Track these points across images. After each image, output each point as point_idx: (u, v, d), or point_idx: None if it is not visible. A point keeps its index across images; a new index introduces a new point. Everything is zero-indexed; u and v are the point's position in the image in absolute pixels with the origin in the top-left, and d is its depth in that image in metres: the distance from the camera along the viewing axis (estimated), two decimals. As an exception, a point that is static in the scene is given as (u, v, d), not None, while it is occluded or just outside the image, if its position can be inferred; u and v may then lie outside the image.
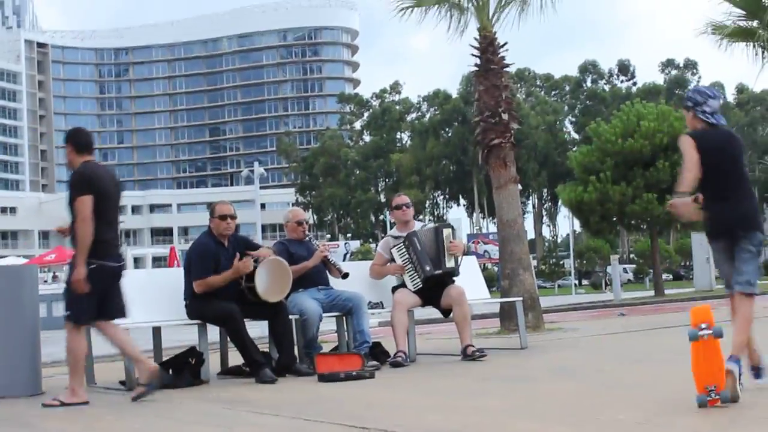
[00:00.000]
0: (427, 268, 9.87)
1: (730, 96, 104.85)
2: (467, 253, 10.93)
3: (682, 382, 6.37)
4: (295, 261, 9.51)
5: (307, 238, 9.99)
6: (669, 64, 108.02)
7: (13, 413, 7.32)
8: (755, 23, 20.21)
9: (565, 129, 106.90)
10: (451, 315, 9.97)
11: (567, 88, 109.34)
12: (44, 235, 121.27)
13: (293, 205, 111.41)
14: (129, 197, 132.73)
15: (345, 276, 9.86)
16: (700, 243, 40.21)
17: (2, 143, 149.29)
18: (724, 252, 6.46)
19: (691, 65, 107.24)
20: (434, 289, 9.96)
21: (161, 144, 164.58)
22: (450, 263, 10.02)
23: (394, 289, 10.11)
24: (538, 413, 5.81)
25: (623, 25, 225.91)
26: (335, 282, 9.92)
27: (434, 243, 10.00)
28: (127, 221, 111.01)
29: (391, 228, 10.82)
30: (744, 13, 20.37)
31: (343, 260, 49.50)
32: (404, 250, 10.00)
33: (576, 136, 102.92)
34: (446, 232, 10.13)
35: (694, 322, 5.51)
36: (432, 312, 10.48)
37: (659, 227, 38.08)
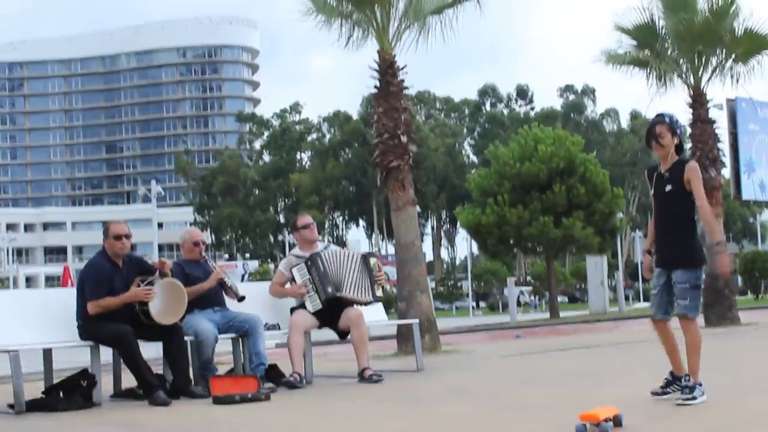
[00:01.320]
0: (329, 290, 9.85)
1: (624, 122, 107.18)
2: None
3: (575, 404, 6.47)
4: (191, 282, 9.40)
5: (204, 260, 9.91)
6: (567, 89, 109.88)
7: None
8: (647, 53, 20.69)
9: (464, 152, 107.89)
10: (349, 337, 9.96)
11: (466, 111, 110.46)
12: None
13: (191, 224, 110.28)
14: (22, 215, 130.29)
15: (241, 299, 9.79)
16: (594, 266, 40.97)
17: None
18: None
19: (589, 91, 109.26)
20: (333, 310, 9.94)
21: (56, 161, 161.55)
22: (379, 292, 10.10)
23: (293, 310, 10.06)
24: (433, 436, 5.83)
25: (521, 49, 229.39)
26: (232, 303, 9.84)
27: (363, 270, 9.99)
28: (19, 239, 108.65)
29: (290, 249, 10.78)
30: (636, 43, 20.85)
31: (242, 281, 49.12)
32: (305, 270, 9.96)
33: (475, 159, 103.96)
34: (373, 261, 10.17)
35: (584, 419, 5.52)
36: (330, 333, 10.46)
37: (555, 250, 38.64)
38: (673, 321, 7.11)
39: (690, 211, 6.96)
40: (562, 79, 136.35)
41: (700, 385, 6.77)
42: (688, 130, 20.06)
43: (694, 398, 6.65)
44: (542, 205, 36.52)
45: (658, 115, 7.09)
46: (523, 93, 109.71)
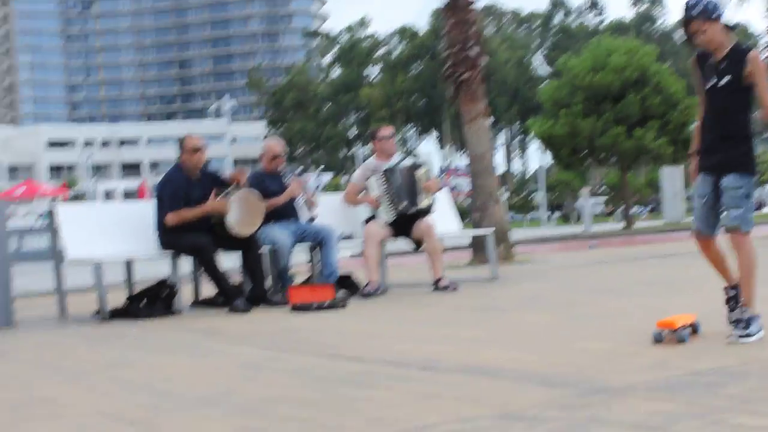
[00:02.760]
0: (404, 203, 9.91)
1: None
2: (442, 187, 10.97)
3: (651, 312, 6.47)
4: (268, 195, 9.51)
5: (282, 173, 9.97)
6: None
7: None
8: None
9: (534, 64, 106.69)
10: (423, 247, 10.04)
11: (536, 24, 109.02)
12: (12, 169, 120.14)
13: (269, 137, 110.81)
14: (98, 131, 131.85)
15: (311, 221, 9.89)
16: (669, 176, 40.51)
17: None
18: None
19: (659, 1, 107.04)
20: (406, 222, 10.00)
21: (129, 78, 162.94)
22: (425, 202, 10.08)
23: (367, 221, 10.14)
24: (508, 343, 5.89)
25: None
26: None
27: (409, 181, 10.03)
28: (96, 155, 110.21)
29: (363, 161, 10.82)
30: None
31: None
32: (382, 181, 10.01)
33: (545, 71, 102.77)
34: (420, 171, 10.18)
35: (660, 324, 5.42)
36: (405, 244, 10.53)
37: (628, 161, 38.23)
38: None
39: (747, 109, 5.76)
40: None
41: (758, 317, 5.56)
42: None
43: (750, 335, 5.42)
44: (615, 116, 36.07)
45: (685, 10, 5.72)
46: (594, 4, 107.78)
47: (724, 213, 5.69)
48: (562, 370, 4.65)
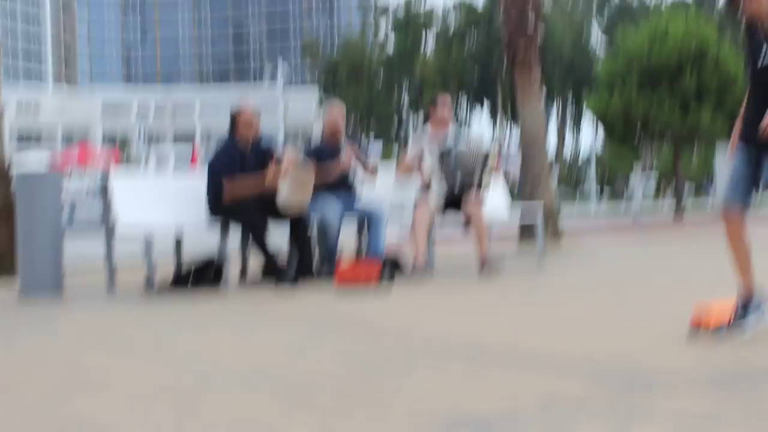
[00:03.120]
0: (457, 183, 9.86)
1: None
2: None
3: (702, 298, 6.40)
4: (324, 163, 9.57)
5: (341, 146, 9.92)
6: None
7: (35, 317, 7.45)
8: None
9: (591, 37, 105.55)
10: (470, 227, 10.00)
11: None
12: (68, 133, 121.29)
13: (319, 104, 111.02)
14: (152, 96, 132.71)
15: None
16: (725, 155, 40.10)
17: (24, 32, 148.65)
18: None
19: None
20: (456, 199, 9.97)
21: (184, 37, 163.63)
22: (485, 179, 10.05)
23: (418, 196, 10.09)
24: (554, 329, 5.86)
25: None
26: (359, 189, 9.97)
27: (473, 166, 9.93)
28: (150, 119, 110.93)
29: (414, 131, 10.79)
30: None
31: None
32: (437, 155, 9.95)
33: (602, 45, 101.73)
34: (491, 163, 10.09)
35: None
36: (452, 222, 10.51)
37: (682, 138, 37.81)
38: None
39: None
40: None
41: None
42: None
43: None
44: (671, 92, 35.67)
45: None
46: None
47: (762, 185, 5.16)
48: (607, 359, 4.62)
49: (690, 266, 10.31)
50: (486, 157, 10.01)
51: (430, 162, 9.98)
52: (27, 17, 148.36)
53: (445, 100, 10.43)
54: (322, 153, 9.81)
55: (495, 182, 10.44)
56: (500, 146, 12.66)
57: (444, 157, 9.92)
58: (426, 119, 10.61)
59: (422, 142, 10.18)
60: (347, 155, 9.81)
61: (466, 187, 9.89)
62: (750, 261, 5.27)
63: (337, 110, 10.35)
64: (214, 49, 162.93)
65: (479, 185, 10.01)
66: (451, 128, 10.39)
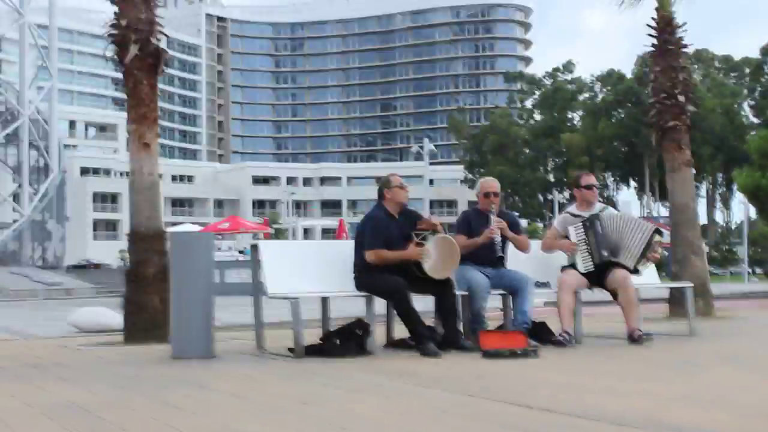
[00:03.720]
0: (605, 254, 9.77)
1: None
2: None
3: None
4: (473, 233, 9.58)
5: (492, 213, 9.89)
6: None
7: (188, 374, 7.61)
8: None
9: (743, 112, 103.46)
10: (618, 298, 9.86)
11: (747, 70, 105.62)
12: (219, 203, 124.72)
13: (462, 182, 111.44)
14: (301, 169, 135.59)
15: (500, 259, 9.80)
16: None
17: (181, 114, 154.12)
18: None
19: None
20: (602, 271, 9.86)
21: (333, 118, 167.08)
22: (642, 267, 9.93)
23: (563, 269, 10.03)
24: (705, 401, 5.71)
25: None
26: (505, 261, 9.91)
27: (639, 242, 9.83)
28: (298, 193, 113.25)
29: (559, 208, 10.75)
30: None
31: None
32: (582, 230, 9.90)
33: (755, 120, 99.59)
34: (658, 238, 10.01)
35: None
36: (600, 295, 10.37)
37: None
38: None
39: None
40: None
41: None
42: None
43: None
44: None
45: None
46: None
47: None
48: (761, 430, 4.48)
49: None
50: (648, 244, 9.88)
51: (575, 239, 9.91)
52: (184, 100, 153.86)
53: (589, 180, 10.35)
54: (472, 218, 9.85)
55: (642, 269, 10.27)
56: (661, 234, 12.38)
57: (590, 226, 9.85)
58: (571, 198, 10.55)
59: (567, 221, 10.12)
60: (495, 224, 9.77)
61: (613, 257, 9.78)
62: None
63: (490, 179, 10.42)
64: (361, 128, 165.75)
65: (634, 270, 9.89)
66: (597, 206, 10.30)
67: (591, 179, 10.40)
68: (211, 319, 8.88)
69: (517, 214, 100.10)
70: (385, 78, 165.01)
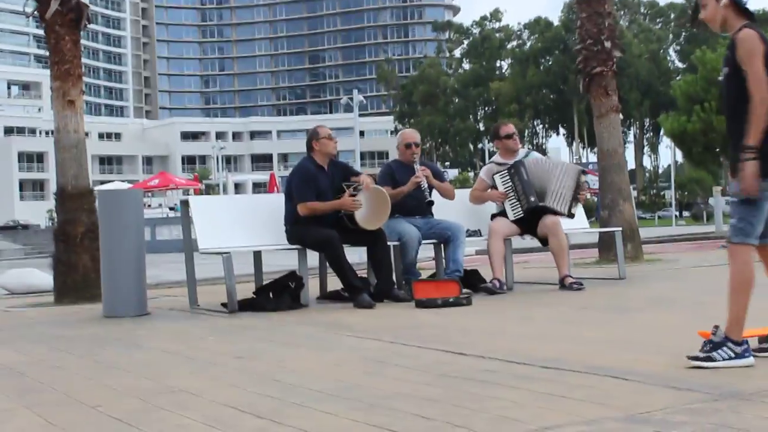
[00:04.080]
0: (532, 199, 9.84)
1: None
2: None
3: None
4: (398, 184, 9.58)
5: (416, 163, 9.91)
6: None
7: (121, 332, 7.56)
8: None
9: (668, 58, 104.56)
10: (548, 244, 9.96)
11: (672, 15, 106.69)
12: (148, 160, 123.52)
13: (392, 133, 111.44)
14: (230, 124, 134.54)
15: (429, 204, 9.83)
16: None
17: (107, 70, 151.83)
18: None
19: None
20: (533, 217, 9.94)
21: (261, 71, 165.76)
22: (575, 210, 10.02)
23: (493, 216, 10.11)
24: (636, 344, 5.80)
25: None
26: (435, 211, 9.93)
27: (566, 184, 9.91)
28: (228, 148, 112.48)
29: (490, 157, 10.79)
30: None
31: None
32: (508, 178, 9.96)
33: (680, 65, 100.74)
34: (584, 178, 10.10)
35: None
36: (531, 241, 10.46)
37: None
38: None
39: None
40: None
41: (738, 344, 4.79)
42: None
43: (711, 359, 4.76)
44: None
45: None
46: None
47: None
48: (691, 373, 4.56)
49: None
50: (576, 186, 9.97)
51: (502, 188, 9.97)
52: (109, 56, 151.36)
53: (507, 129, 10.38)
54: (396, 170, 9.85)
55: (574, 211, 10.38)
56: (586, 175, 12.40)
57: (513, 174, 9.91)
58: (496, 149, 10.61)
59: (492, 171, 10.17)
60: (420, 171, 9.79)
61: (540, 202, 9.87)
62: None
63: (410, 131, 10.49)
64: (290, 81, 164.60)
65: (569, 214, 9.98)
66: (521, 152, 10.35)
67: (509, 128, 10.43)
68: (142, 276, 8.81)
69: (448, 163, 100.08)
70: (313, 30, 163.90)
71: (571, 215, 10.08)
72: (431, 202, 9.81)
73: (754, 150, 4.70)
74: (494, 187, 10.09)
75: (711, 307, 7.88)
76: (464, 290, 8.94)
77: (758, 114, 4.70)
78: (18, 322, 8.98)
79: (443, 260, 9.90)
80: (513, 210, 9.95)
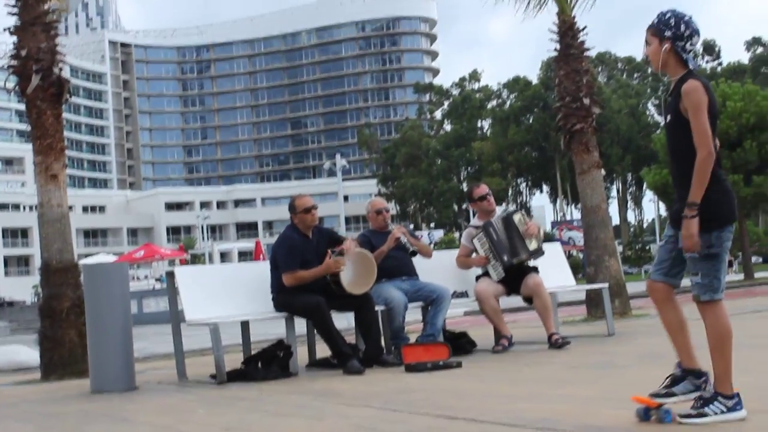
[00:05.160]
0: (505, 258, 9.86)
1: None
2: (550, 238, 10.86)
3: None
4: (376, 250, 9.58)
5: (389, 228, 9.98)
6: (755, 42, 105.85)
7: (109, 408, 7.49)
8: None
9: (648, 112, 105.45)
10: (533, 304, 9.96)
11: (649, 70, 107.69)
12: (133, 232, 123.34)
13: (375, 195, 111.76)
14: (214, 193, 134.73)
15: (413, 254, 9.86)
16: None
17: (90, 143, 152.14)
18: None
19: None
20: (516, 277, 9.94)
21: (244, 139, 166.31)
22: (532, 245, 10.00)
23: (478, 278, 10.11)
24: (629, 401, 5.77)
25: (705, 2, 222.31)
26: (422, 273, 9.93)
27: (507, 231, 9.97)
28: (212, 217, 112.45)
29: (473, 217, 10.82)
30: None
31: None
32: (485, 239, 9.99)
33: (659, 118, 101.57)
34: (517, 217, 10.10)
35: None
36: (517, 300, 10.45)
37: (747, 209, 37.44)
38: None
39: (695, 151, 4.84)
40: (749, 31, 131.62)
41: (729, 398, 4.76)
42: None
43: (703, 415, 4.73)
44: (732, 163, 35.44)
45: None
46: (709, 48, 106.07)
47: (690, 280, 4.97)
48: (686, 430, 4.53)
49: (763, 333, 10.11)
50: (506, 219, 10.01)
51: (481, 250, 10.00)
52: (91, 129, 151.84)
53: (480, 191, 10.40)
54: (371, 238, 9.84)
55: (551, 249, 10.38)
56: (523, 209, 12.51)
57: (487, 234, 9.93)
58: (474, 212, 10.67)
59: (471, 235, 10.20)
60: (396, 229, 9.83)
61: (514, 255, 9.87)
62: (684, 329, 5.27)
63: (378, 199, 10.66)
64: (273, 149, 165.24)
65: (534, 252, 9.99)
66: (498, 211, 10.37)
67: (482, 189, 10.43)
68: (130, 350, 8.74)
69: (433, 225, 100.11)
70: (294, 96, 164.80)
71: (538, 252, 10.02)
72: (414, 252, 9.84)
73: (696, 207, 4.73)
74: (476, 250, 10.11)
75: (699, 360, 7.87)
76: (453, 351, 8.89)
77: (702, 170, 4.77)
78: (4, 401, 8.89)
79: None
80: (495, 271, 9.97)
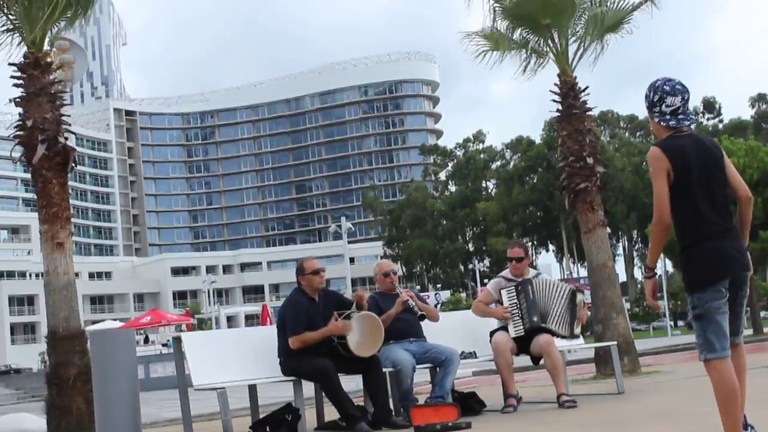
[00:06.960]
0: (535, 319, 9.78)
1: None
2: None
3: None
4: (384, 312, 9.55)
5: (396, 290, 9.96)
6: (760, 98, 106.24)
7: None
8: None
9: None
10: (542, 362, 9.90)
11: (651, 127, 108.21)
12: (139, 297, 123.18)
13: (381, 257, 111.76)
14: (220, 257, 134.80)
15: (421, 318, 9.82)
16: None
17: (96, 210, 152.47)
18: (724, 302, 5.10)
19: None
20: (527, 338, 9.90)
21: (249, 203, 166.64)
22: (577, 330, 10.01)
23: (493, 333, 10.03)
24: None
25: (705, 59, 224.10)
26: (429, 334, 9.90)
27: (565, 305, 9.89)
28: (219, 281, 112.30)
29: (481, 277, 10.80)
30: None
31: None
32: (514, 294, 9.91)
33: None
34: (579, 297, 10.07)
35: None
36: (525, 360, 10.41)
37: (753, 264, 37.41)
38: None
39: (678, 214, 4.97)
40: (751, 88, 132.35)
41: None
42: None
43: None
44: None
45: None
46: (710, 106, 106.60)
47: None
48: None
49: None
50: (573, 306, 9.95)
51: (507, 303, 9.93)
52: (97, 196, 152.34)
53: (513, 253, 10.32)
54: (380, 300, 9.82)
55: (579, 333, 10.36)
56: (582, 293, 12.49)
57: (521, 291, 9.87)
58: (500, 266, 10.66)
59: (500, 285, 10.13)
60: (405, 292, 9.80)
61: (543, 322, 9.83)
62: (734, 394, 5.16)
63: (385, 261, 10.62)
64: (278, 213, 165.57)
65: (571, 335, 9.97)
66: (531, 272, 10.32)
67: (516, 252, 10.30)
68: (137, 417, 8.71)
69: (440, 285, 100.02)
70: (299, 160, 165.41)
71: (575, 336, 10.06)
72: (423, 316, 9.80)
73: (649, 270, 5.00)
74: (500, 301, 10.02)
75: (710, 417, 7.82)
76: (462, 412, 8.84)
77: (655, 234, 4.94)
78: (12, 470, 8.84)
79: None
80: (515, 327, 9.88)
